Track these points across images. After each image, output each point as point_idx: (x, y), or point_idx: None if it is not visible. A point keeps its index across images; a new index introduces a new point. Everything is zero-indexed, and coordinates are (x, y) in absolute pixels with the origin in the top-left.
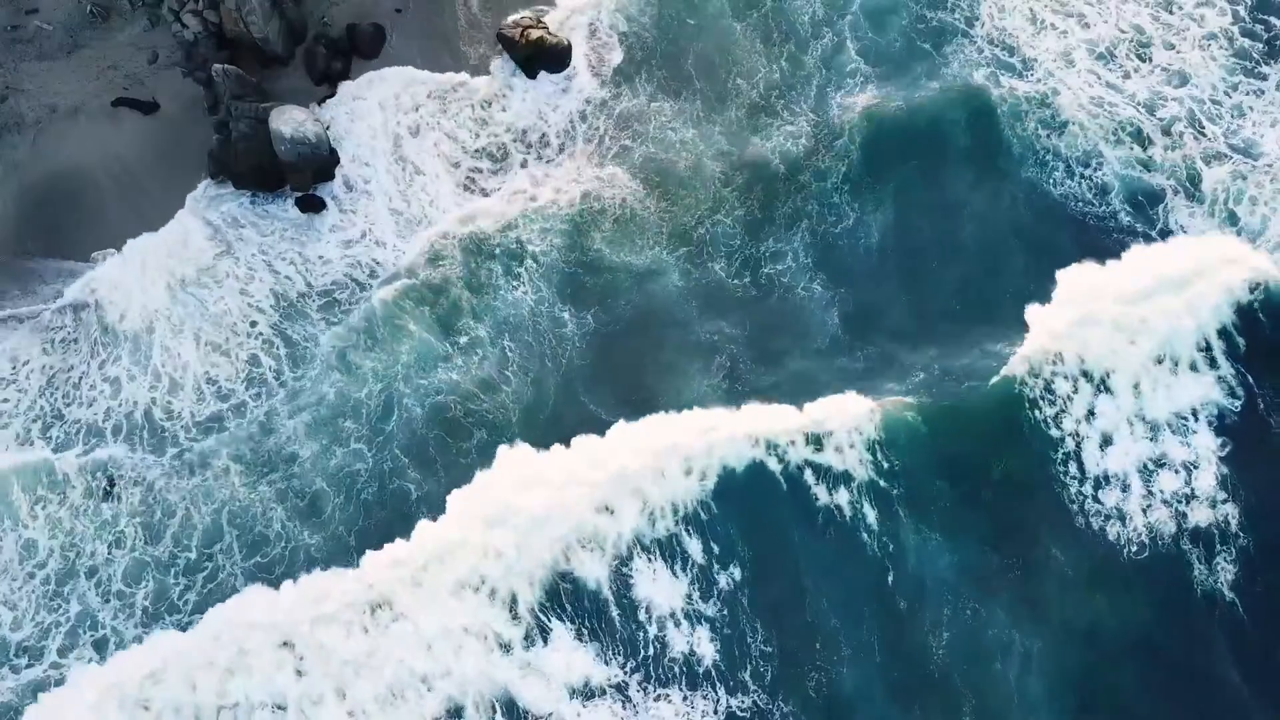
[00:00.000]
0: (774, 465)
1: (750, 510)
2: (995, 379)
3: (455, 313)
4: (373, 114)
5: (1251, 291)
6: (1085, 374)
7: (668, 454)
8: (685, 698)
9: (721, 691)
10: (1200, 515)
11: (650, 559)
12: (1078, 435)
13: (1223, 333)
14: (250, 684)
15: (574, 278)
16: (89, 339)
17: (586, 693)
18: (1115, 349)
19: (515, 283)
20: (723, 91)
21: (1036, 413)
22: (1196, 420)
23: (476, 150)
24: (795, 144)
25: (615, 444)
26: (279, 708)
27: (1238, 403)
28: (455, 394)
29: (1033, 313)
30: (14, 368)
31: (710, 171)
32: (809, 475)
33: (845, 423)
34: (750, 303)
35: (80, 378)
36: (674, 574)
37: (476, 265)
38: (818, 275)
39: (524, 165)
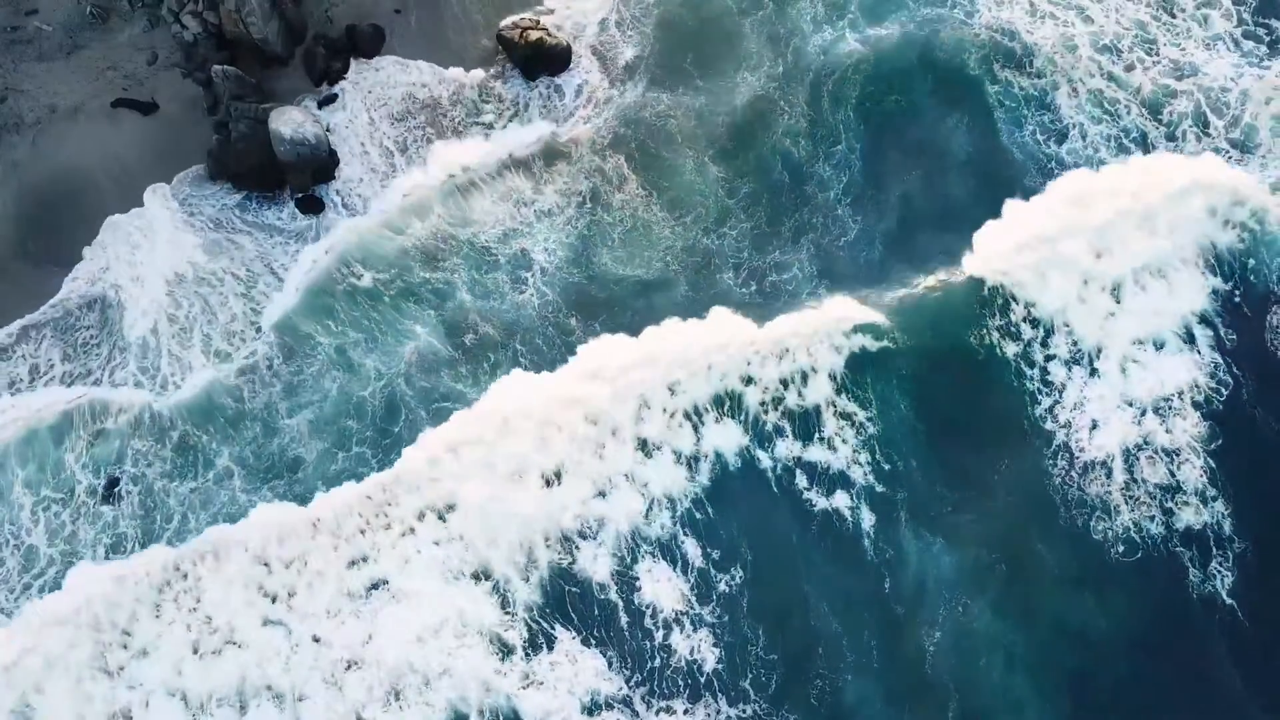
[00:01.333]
0: (764, 461)
1: (745, 505)
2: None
3: (460, 314)
4: (360, 115)
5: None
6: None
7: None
8: (687, 710)
9: (723, 702)
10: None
11: (652, 559)
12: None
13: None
14: (243, 661)
15: (580, 287)
16: (110, 341)
17: (592, 707)
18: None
19: (522, 289)
20: (726, 88)
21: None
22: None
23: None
24: (797, 147)
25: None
26: (276, 696)
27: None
28: (463, 403)
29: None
30: (32, 379)
31: (715, 174)
32: (800, 468)
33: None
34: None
35: (96, 383)
36: (673, 573)
37: (481, 274)
38: (821, 281)
39: (523, 168)
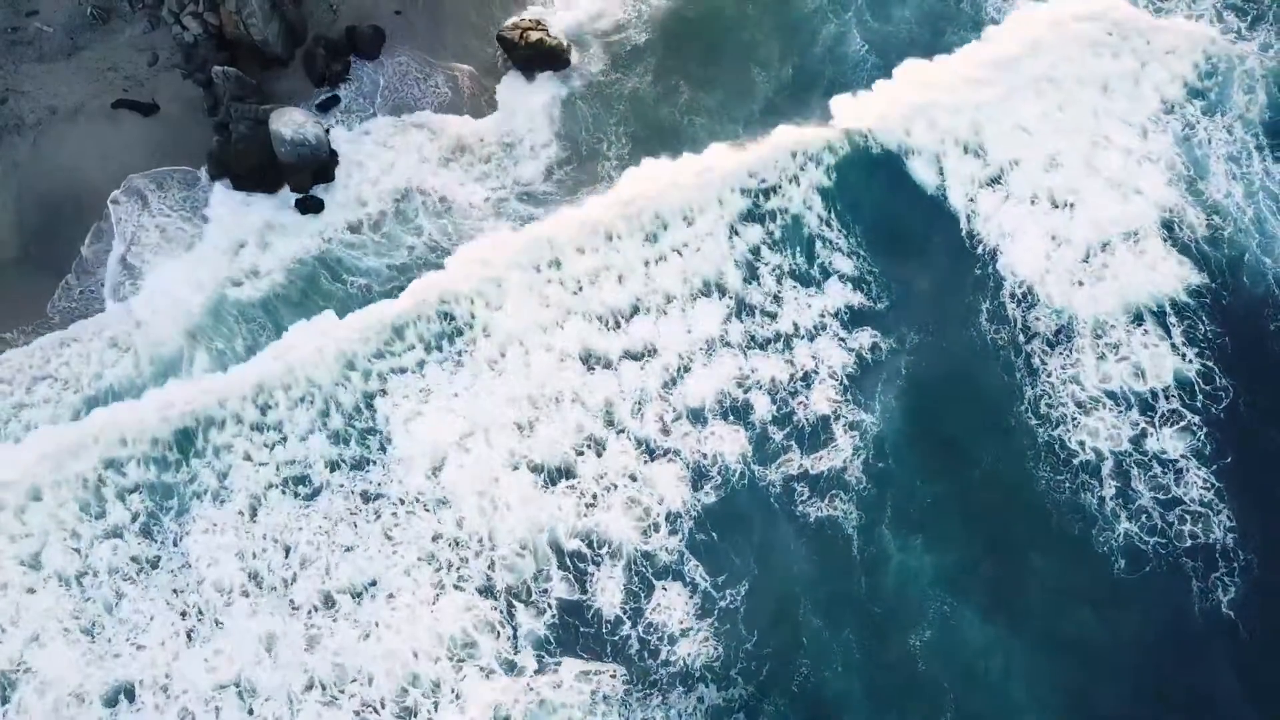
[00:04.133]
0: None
1: (740, 511)
2: None
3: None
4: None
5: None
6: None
7: None
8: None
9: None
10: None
11: (645, 573)
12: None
13: None
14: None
15: None
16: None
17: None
18: None
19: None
20: (738, 81)
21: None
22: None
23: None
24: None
25: None
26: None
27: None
28: None
29: None
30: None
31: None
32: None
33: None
34: None
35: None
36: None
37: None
38: None
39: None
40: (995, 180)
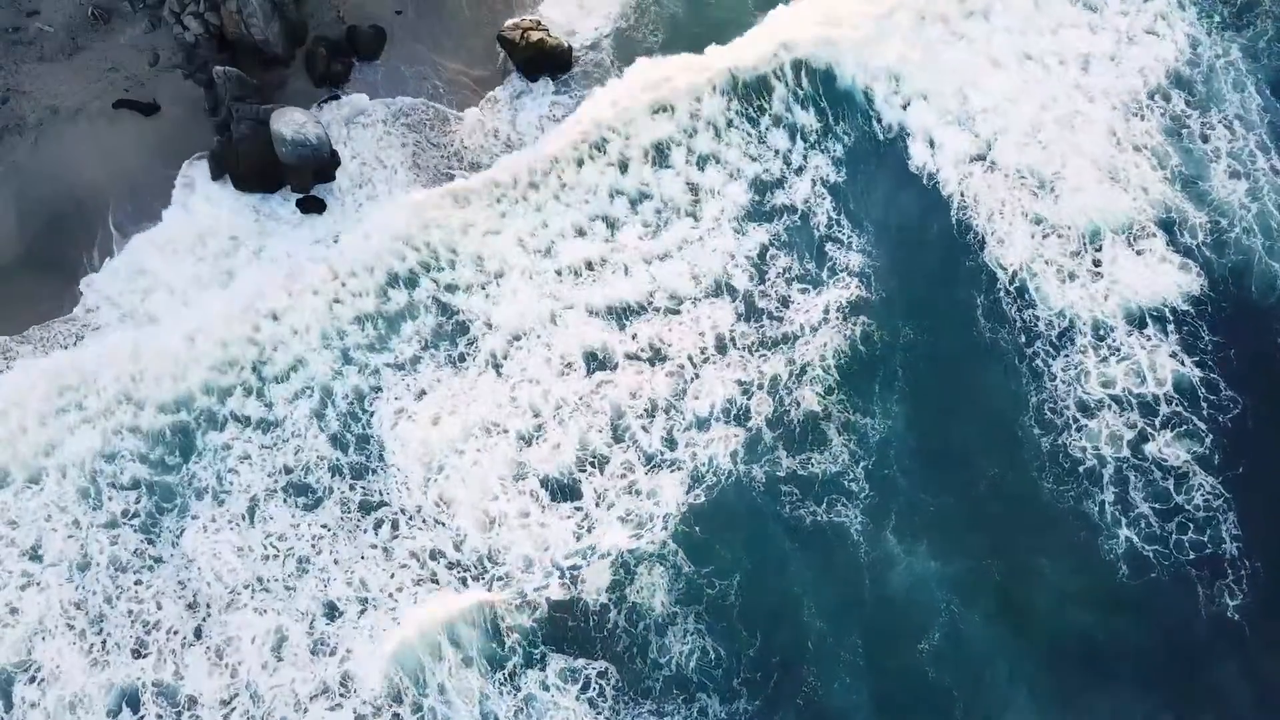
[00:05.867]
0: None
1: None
2: None
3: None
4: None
5: None
6: None
7: None
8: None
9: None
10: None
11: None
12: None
13: None
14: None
15: None
16: None
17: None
18: None
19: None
20: None
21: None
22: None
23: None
24: None
25: None
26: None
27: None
28: None
29: None
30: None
31: None
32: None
33: None
34: None
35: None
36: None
37: None
38: None
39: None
40: (982, 157)
